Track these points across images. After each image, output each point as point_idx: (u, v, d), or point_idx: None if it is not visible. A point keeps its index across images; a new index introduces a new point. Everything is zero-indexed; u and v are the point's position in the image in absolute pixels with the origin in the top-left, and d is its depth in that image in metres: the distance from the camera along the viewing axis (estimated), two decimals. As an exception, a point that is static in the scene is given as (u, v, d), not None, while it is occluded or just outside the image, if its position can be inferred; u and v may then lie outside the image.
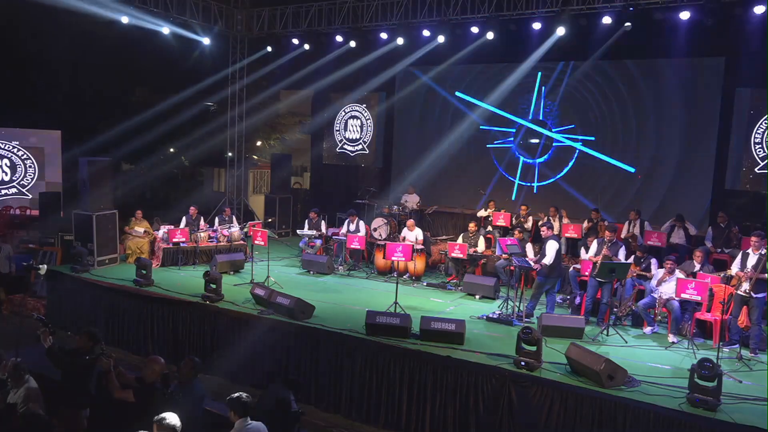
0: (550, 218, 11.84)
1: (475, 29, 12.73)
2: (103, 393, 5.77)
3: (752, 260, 7.60)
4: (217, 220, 12.77)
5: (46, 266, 11.46)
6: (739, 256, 7.89)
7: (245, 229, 12.64)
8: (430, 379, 7.28)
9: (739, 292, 7.69)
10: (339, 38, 14.36)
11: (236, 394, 5.13)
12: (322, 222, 12.68)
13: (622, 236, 10.98)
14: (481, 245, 11.12)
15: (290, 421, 5.65)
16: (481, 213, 12.62)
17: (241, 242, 12.25)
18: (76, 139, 16.13)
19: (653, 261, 9.37)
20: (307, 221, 12.69)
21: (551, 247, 8.73)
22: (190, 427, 5.28)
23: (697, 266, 9.01)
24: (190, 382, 5.57)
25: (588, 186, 13.56)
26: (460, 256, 10.70)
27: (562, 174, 13.96)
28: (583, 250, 9.96)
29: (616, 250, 8.83)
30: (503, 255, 10.03)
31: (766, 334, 7.88)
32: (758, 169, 11.85)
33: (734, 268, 7.90)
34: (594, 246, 9.21)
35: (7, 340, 8.76)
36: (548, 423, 6.58)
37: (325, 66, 15.66)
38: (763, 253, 7.50)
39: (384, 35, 13.76)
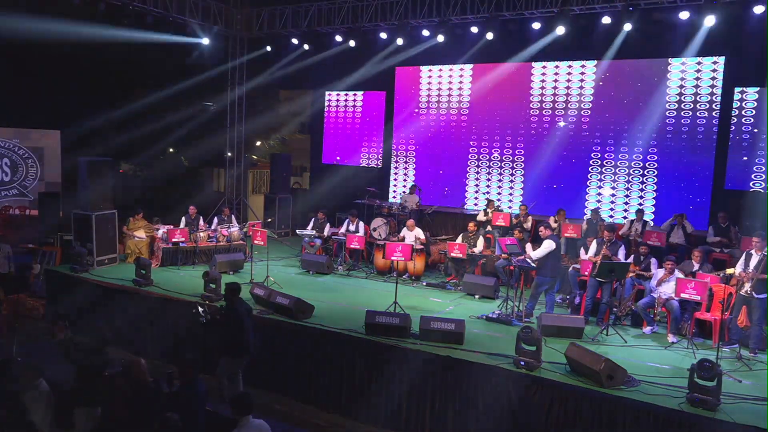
0: (556, 220, 11.82)
1: (474, 29, 12.74)
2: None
3: (755, 261, 7.62)
4: (216, 220, 12.76)
5: (39, 265, 11.51)
6: (743, 257, 7.89)
7: (245, 229, 12.64)
8: (429, 379, 7.29)
9: (741, 292, 7.70)
10: (339, 38, 14.36)
11: (239, 393, 5.15)
12: (327, 225, 12.65)
13: (621, 233, 11.01)
14: (480, 245, 11.12)
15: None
16: (480, 217, 12.50)
17: (241, 242, 12.25)
18: (76, 139, 16.13)
19: (653, 261, 9.38)
20: (313, 220, 12.65)
21: (545, 246, 8.72)
22: (191, 427, 5.30)
23: (696, 266, 9.02)
24: (191, 382, 5.57)
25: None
26: (460, 256, 10.70)
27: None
28: (582, 250, 9.97)
29: (615, 250, 8.83)
30: (503, 255, 10.04)
31: (766, 334, 7.89)
32: (758, 169, 11.87)
33: (738, 269, 7.91)
34: (593, 246, 9.21)
35: (6, 339, 8.79)
36: (548, 423, 6.58)
37: (324, 66, 15.68)
38: (765, 253, 7.51)
39: (384, 35, 13.76)
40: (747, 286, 7.59)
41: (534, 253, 8.78)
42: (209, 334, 7.60)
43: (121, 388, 5.58)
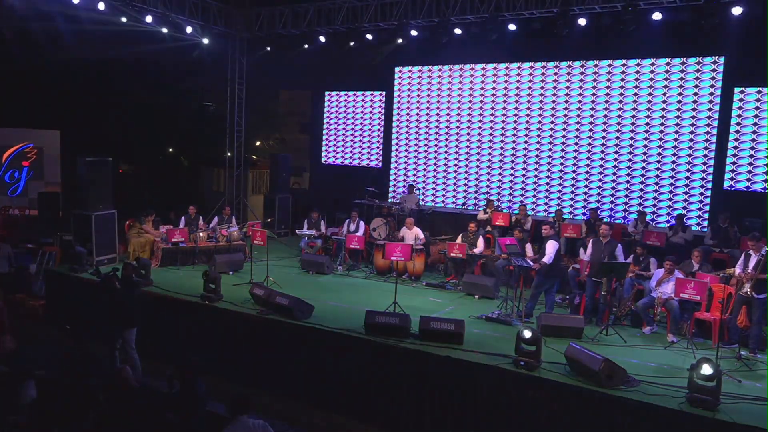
0: (555, 220, 11.83)
1: (474, 29, 12.73)
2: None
3: (753, 261, 7.61)
4: (216, 219, 12.76)
5: (35, 266, 11.50)
6: (742, 257, 7.89)
7: (244, 229, 12.64)
8: (429, 379, 7.28)
9: (740, 292, 7.69)
10: (339, 38, 14.34)
11: (237, 393, 5.13)
12: (322, 222, 12.71)
13: (630, 231, 11.06)
14: (480, 245, 11.11)
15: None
16: (481, 216, 12.50)
17: (240, 242, 12.25)
18: (76, 139, 16.12)
19: (652, 261, 9.38)
20: (306, 221, 12.70)
21: (551, 247, 8.74)
22: (191, 428, 5.30)
23: (696, 266, 9.01)
24: (191, 383, 5.57)
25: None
26: (460, 256, 10.70)
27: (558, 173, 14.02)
28: (582, 250, 9.95)
29: (612, 248, 8.82)
30: (502, 255, 10.03)
31: (766, 335, 7.88)
32: (757, 169, 11.87)
33: (737, 269, 7.91)
34: (590, 246, 9.16)
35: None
36: (548, 423, 6.58)
37: (324, 66, 15.66)
38: (763, 253, 7.51)
39: (383, 35, 13.75)
40: (746, 287, 7.59)
41: (546, 257, 8.74)
42: (109, 305, 8.14)
43: (108, 396, 5.58)
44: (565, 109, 13.81)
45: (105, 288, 8.02)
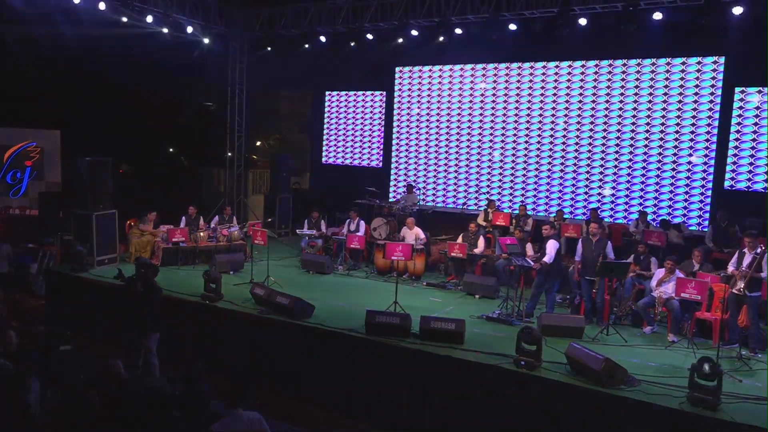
0: (555, 220, 11.83)
1: (474, 29, 12.74)
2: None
3: (748, 259, 7.61)
4: (216, 219, 12.76)
5: (36, 265, 11.51)
6: (736, 255, 7.89)
7: (245, 229, 12.64)
8: (430, 379, 7.29)
9: (733, 290, 7.70)
10: (339, 38, 14.35)
11: (236, 383, 5.12)
12: (322, 222, 12.72)
13: (631, 231, 11.15)
14: (481, 245, 11.11)
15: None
16: (481, 221, 12.43)
17: (241, 242, 12.25)
18: (76, 139, 16.11)
19: (653, 260, 9.38)
20: (307, 220, 12.71)
21: (551, 246, 8.74)
22: (194, 428, 5.30)
23: (696, 266, 9.01)
24: (193, 383, 5.57)
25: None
26: (460, 255, 10.70)
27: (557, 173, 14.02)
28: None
29: (603, 246, 8.81)
30: (503, 255, 10.04)
31: (765, 334, 7.89)
32: (758, 169, 11.88)
33: (730, 267, 7.92)
34: (579, 245, 9.12)
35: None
36: (548, 423, 6.58)
37: (324, 66, 15.65)
38: (758, 252, 7.51)
39: (384, 35, 13.76)
40: (740, 284, 7.59)
41: (547, 257, 8.75)
42: (130, 311, 7.91)
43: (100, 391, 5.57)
44: (566, 109, 13.82)
45: (128, 292, 7.76)
